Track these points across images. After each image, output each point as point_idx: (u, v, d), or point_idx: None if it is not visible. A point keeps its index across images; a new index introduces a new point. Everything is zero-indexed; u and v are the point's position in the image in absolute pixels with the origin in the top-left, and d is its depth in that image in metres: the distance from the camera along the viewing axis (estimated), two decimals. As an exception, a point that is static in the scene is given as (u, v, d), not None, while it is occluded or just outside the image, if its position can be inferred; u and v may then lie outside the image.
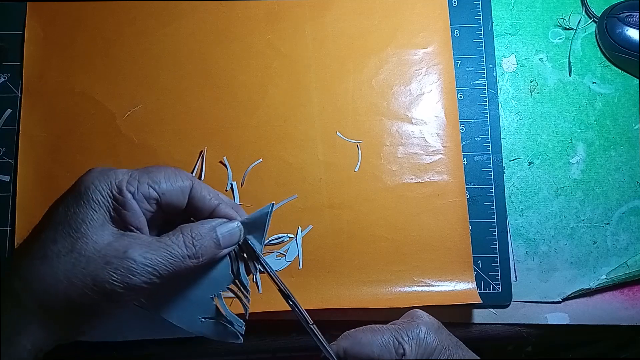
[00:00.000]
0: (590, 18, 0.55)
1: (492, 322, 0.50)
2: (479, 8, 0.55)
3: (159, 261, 0.31)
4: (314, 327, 0.35)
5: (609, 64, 0.54)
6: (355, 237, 0.50)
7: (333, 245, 0.50)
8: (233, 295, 0.37)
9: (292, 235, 0.50)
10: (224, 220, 0.35)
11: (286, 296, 0.36)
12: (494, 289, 0.50)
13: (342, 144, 0.52)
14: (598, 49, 0.55)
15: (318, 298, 0.49)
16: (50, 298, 0.29)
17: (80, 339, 0.34)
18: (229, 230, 0.34)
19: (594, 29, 0.55)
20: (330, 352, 0.35)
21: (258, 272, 0.38)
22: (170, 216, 0.35)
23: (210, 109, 0.53)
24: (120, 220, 0.31)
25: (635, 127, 0.53)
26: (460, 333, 0.50)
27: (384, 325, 0.37)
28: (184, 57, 0.53)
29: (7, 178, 0.51)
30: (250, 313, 0.48)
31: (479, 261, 0.50)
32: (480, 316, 0.50)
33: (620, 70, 0.54)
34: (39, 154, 0.51)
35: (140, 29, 0.54)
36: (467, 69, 0.54)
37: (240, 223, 0.35)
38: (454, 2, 0.55)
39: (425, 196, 0.51)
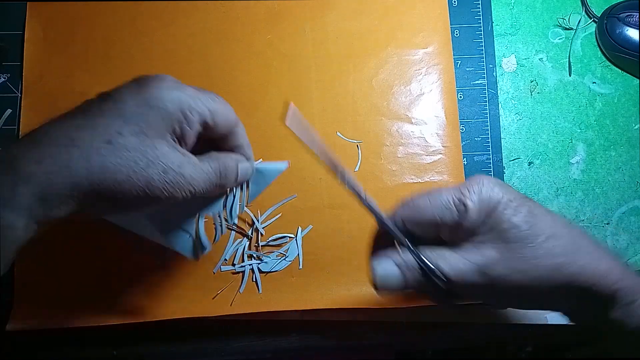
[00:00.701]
0: (590, 18, 0.55)
1: (492, 322, 0.50)
2: (479, 8, 0.55)
3: (199, 184, 0.33)
4: (370, 200, 0.34)
5: (609, 64, 0.54)
6: (355, 237, 0.50)
7: (333, 245, 0.50)
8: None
9: (292, 235, 0.50)
10: (243, 157, 0.38)
11: (335, 168, 0.35)
12: (494, 289, 0.50)
13: (342, 144, 0.52)
14: (598, 49, 0.55)
15: (318, 298, 0.49)
16: (105, 186, 0.30)
17: None
18: (246, 168, 0.38)
19: (594, 29, 0.55)
20: (390, 225, 0.34)
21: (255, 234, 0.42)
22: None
23: (210, 109, 0.53)
24: (181, 135, 0.32)
25: (635, 127, 0.53)
26: (461, 333, 0.50)
27: (443, 187, 0.34)
28: (184, 57, 0.53)
29: (7, 178, 0.51)
30: (250, 313, 0.48)
31: (479, 261, 0.50)
32: (480, 316, 0.50)
33: (620, 71, 0.54)
34: (39, 154, 0.51)
35: (140, 29, 0.54)
36: (467, 69, 0.54)
37: (254, 164, 0.39)
38: (454, 2, 0.55)
39: (425, 196, 0.51)
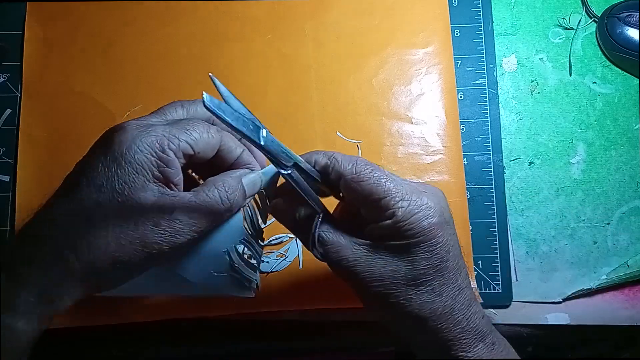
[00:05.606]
0: (591, 18, 0.55)
1: (492, 322, 0.50)
2: (479, 8, 0.55)
3: (202, 220, 0.31)
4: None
5: (610, 63, 0.54)
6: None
7: (333, 246, 0.50)
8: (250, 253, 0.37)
9: (292, 235, 0.50)
10: (247, 170, 0.36)
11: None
12: (494, 289, 0.50)
13: (342, 144, 0.52)
14: (598, 48, 0.54)
15: (318, 298, 0.49)
16: (99, 262, 0.30)
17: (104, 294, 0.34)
18: (252, 180, 0.35)
19: (594, 29, 0.55)
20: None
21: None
22: (195, 165, 0.36)
23: (210, 109, 0.52)
24: (163, 178, 0.31)
25: (635, 127, 0.53)
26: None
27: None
28: (183, 57, 0.53)
29: (6, 178, 0.51)
30: (249, 313, 0.48)
31: (480, 261, 0.50)
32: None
33: (620, 70, 0.54)
34: (39, 154, 0.51)
35: (140, 29, 0.54)
36: (468, 69, 0.54)
37: (261, 173, 0.36)
38: (454, 1, 0.55)
39: (425, 196, 0.51)
